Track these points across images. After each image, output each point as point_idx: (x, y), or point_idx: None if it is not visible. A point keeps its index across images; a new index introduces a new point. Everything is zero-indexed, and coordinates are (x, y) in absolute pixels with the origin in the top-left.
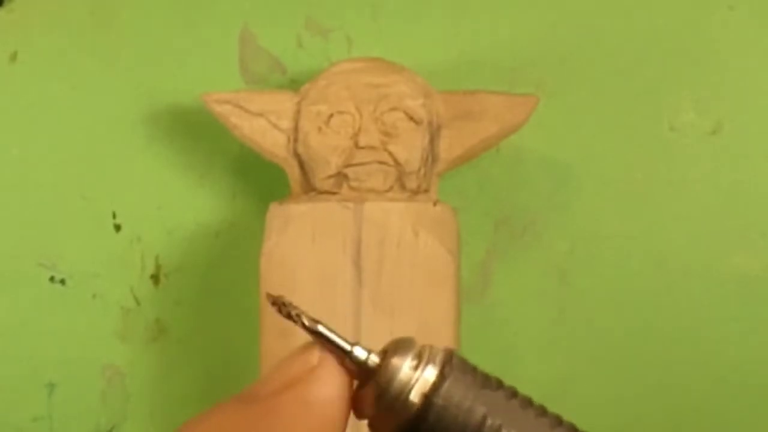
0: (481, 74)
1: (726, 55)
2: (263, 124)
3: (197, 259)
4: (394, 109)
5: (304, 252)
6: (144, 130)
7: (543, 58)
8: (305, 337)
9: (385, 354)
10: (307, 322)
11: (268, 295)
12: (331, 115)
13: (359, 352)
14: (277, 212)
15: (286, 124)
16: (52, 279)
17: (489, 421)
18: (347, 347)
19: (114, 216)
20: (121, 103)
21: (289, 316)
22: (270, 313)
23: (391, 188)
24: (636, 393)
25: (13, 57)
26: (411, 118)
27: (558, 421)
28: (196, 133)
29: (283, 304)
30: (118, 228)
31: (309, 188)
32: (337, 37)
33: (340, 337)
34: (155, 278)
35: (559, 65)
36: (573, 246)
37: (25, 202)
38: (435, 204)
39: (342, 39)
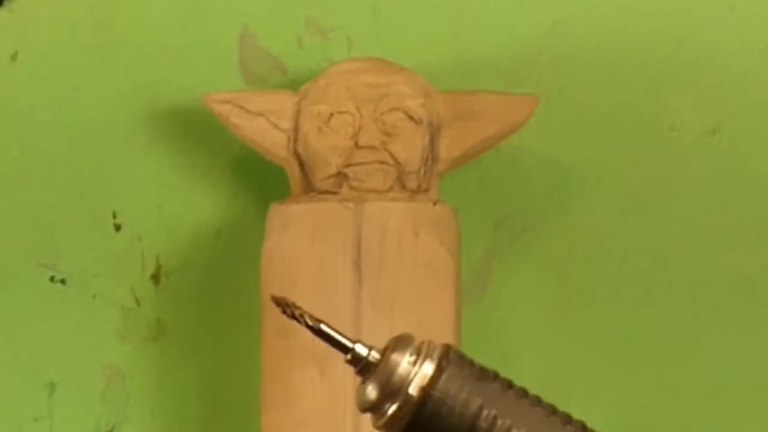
0: (481, 74)
1: (726, 55)
2: (263, 124)
3: (197, 259)
4: (394, 109)
5: (304, 252)
6: (144, 130)
7: (543, 58)
8: (305, 337)
9: (386, 350)
10: (310, 322)
11: (272, 296)
12: (331, 115)
13: (360, 349)
14: (277, 212)
15: (286, 124)
16: (52, 279)
17: (485, 412)
18: (349, 345)
19: (114, 216)
20: (121, 103)
21: (293, 317)
22: (270, 313)
23: (391, 188)
24: (635, 392)
25: (14, 57)
26: (411, 118)
27: (553, 410)
28: (196, 133)
29: (287, 304)
30: (118, 228)
31: (309, 188)
32: (337, 37)
33: (341, 335)
34: (155, 278)
35: (559, 65)
36: (573, 246)
37: (25, 201)
38: (435, 204)
39: (342, 39)
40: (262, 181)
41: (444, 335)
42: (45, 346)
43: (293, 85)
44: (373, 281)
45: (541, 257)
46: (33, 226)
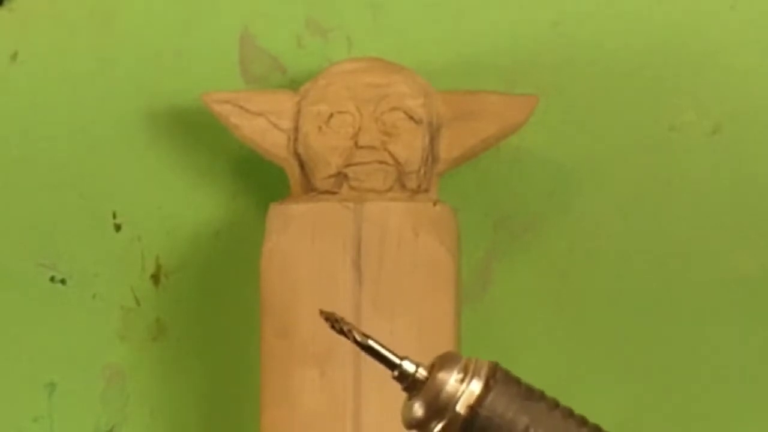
0: (481, 74)
1: (726, 55)
2: (263, 124)
3: (197, 259)
4: (394, 108)
5: (304, 252)
6: (144, 130)
7: (543, 58)
8: (305, 337)
9: (433, 367)
10: (358, 338)
11: (321, 311)
12: (331, 115)
13: (408, 366)
14: (277, 212)
15: (286, 124)
16: (52, 279)
17: (531, 431)
18: (397, 361)
19: (114, 216)
20: (121, 103)
21: (341, 332)
22: (270, 313)
23: (391, 188)
24: (635, 392)
25: (14, 57)
26: (411, 118)
27: (598, 430)
28: (196, 133)
29: (336, 320)
30: (118, 228)
31: (309, 188)
32: (337, 37)
33: (389, 351)
34: (155, 278)
35: (559, 65)
36: (573, 246)
37: (25, 202)
38: (435, 204)
39: (342, 39)
40: (262, 181)
41: (444, 335)
42: (45, 346)
43: (293, 85)
44: (373, 281)
45: (541, 257)
46: (33, 226)
